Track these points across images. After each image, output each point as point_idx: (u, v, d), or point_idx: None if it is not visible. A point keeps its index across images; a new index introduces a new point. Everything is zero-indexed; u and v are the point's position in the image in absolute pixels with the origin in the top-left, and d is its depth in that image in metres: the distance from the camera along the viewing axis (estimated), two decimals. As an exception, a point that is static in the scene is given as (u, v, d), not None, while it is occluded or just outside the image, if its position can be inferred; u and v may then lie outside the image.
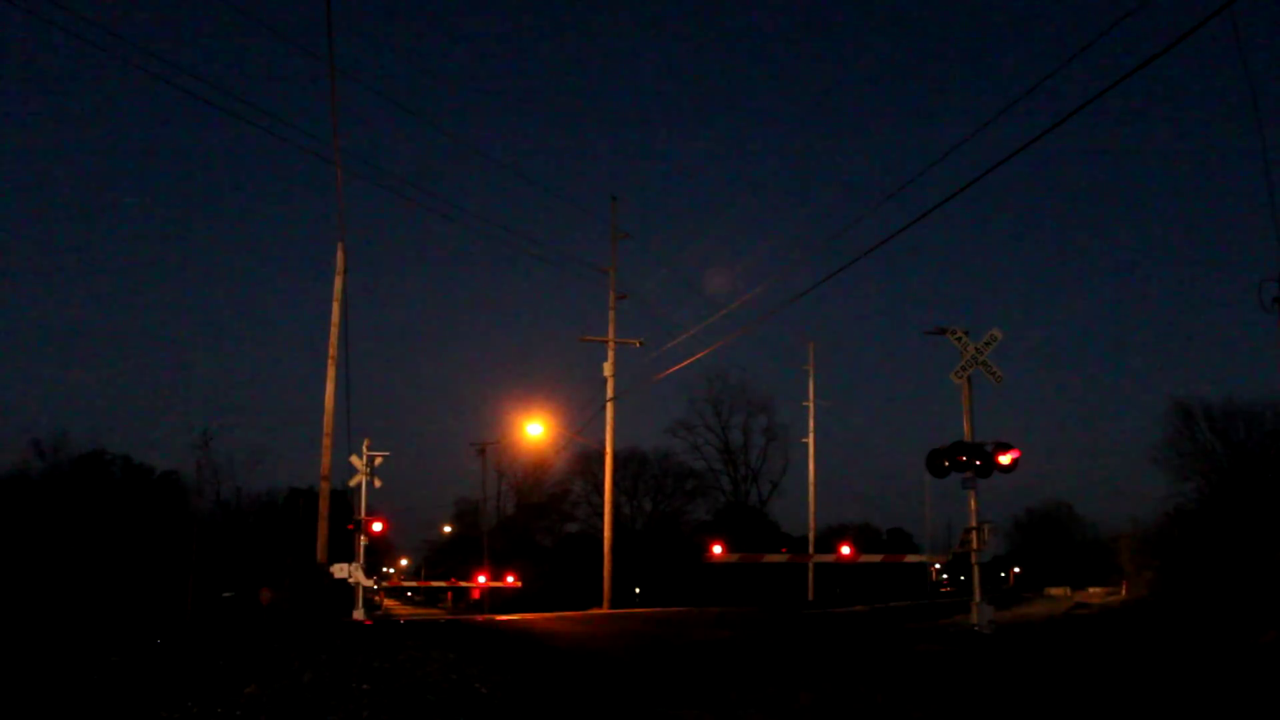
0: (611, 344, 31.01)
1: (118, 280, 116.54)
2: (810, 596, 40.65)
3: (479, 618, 25.57)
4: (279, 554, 38.24)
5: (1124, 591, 56.93)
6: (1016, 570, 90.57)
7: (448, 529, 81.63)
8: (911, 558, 45.75)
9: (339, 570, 26.62)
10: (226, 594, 43.30)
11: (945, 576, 77.64)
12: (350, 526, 28.84)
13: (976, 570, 18.38)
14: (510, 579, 44.88)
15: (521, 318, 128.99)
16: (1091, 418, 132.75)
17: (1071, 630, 21.22)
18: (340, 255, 22.62)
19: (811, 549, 43.84)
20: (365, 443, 31.17)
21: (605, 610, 28.50)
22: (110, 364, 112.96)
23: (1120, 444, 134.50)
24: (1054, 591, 64.43)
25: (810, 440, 44.40)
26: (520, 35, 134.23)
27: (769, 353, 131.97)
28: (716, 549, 26.99)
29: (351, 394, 22.48)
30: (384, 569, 70.66)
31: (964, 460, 17.34)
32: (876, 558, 37.36)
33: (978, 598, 18.22)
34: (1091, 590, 63.97)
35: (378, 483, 31.05)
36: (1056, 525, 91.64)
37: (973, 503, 17.83)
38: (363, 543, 29.13)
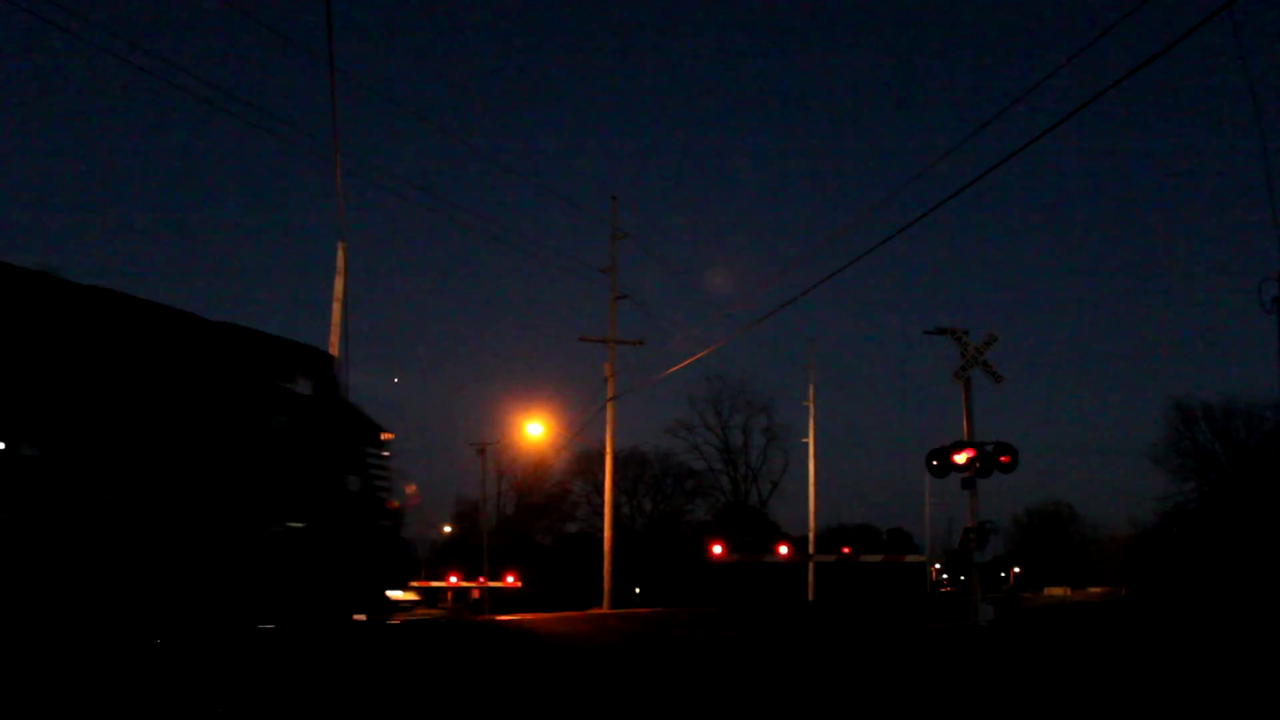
0: (612, 344, 31.02)
1: (117, 281, 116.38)
2: (810, 597, 40.67)
3: (479, 618, 25.59)
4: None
5: (1123, 591, 57.00)
6: (1016, 570, 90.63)
7: (448, 529, 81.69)
8: (911, 558, 45.86)
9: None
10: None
11: (945, 576, 77.71)
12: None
13: (976, 570, 18.42)
14: (510, 579, 44.87)
15: (521, 318, 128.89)
16: (1091, 418, 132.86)
17: (1072, 630, 21.22)
18: (340, 255, 22.62)
19: (812, 549, 43.86)
20: (365, 443, 31.16)
21: (605, 610, 28.51)
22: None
23: (1120, 444, 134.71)
24: (1053, 591, 64.47)
25: (810, 440, 44.45)
26: (521, 35, 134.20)
27: (769, 353, 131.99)
28: (716, 549, 27.07)
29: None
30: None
31: (964, 460, 17.37)
32: (876, 558, 37.45)
33: (978, 597, 18.26)
34: (1091, 590, 64.03)
35: (378, 483, 31.03)
36: (1056, 525, 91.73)
37: (972, 503, 17.86)
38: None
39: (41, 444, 7.20)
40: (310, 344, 10.62)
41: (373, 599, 11.98)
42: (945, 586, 75.20)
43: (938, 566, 67.32)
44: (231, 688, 8.08)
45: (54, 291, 8.42)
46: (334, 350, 18.09)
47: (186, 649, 8.17)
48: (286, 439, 10.45)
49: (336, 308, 22.26)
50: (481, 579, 46.09)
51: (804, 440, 44.74)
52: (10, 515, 6.88)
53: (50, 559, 7.51)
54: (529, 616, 22.66)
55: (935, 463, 17.79)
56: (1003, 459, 17.30)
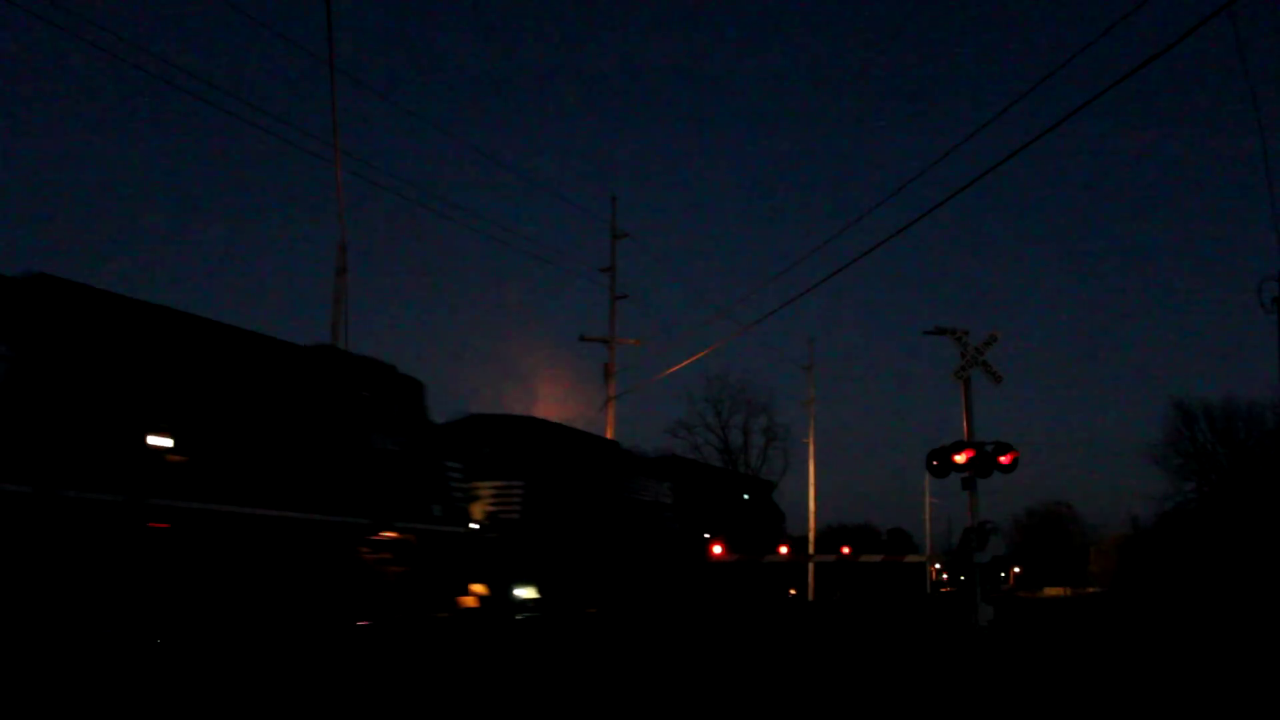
0: (612, 344, 31.01)
1: (117, 282, 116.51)
2: (810, 597, 40.65)
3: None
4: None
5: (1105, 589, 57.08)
6: (1017, 570, 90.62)
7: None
8: (911, 558, 45.83)
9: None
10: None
11: (945, 576, 77.66)
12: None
13: (976, 570, 18.39)
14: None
15: (521, 318, 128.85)
16: (1091, 418, 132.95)
17: (1070, 628, 21.24)
18: (340, 255, 22.59)
19: (812, 549, 43.80)
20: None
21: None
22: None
23: (1120, 444, 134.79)
24: (1053, 591, 64.50)
25: (810, 440, 44.48)
26: (520, 35, 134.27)
27: (769, 353, 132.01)
28: (716, 549, 26.98)
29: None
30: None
31: (964, 460, 17.34)
32: (876, 558, 37.36)
33: (978, 597, 18.25)
34: (1091, 590, 64.00)
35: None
36: (1056, 525, 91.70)
37: (972, 503, 17.83)
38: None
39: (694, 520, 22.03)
40: (765, 477, 27.15)
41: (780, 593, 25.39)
42: (945, 586, 75.15)
43: (937, 566, 67.20)
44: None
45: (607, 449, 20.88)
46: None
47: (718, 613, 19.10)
48: (769, 523, 25.60)
49: (336, 308, 22.24)
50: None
51: (804, 440, 44.76)
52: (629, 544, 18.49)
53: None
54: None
55: (935, 463, 17.75)
56: (1003, 459, 17.27)
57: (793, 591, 26.92)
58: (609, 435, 31.35)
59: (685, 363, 28.69)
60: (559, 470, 17.23)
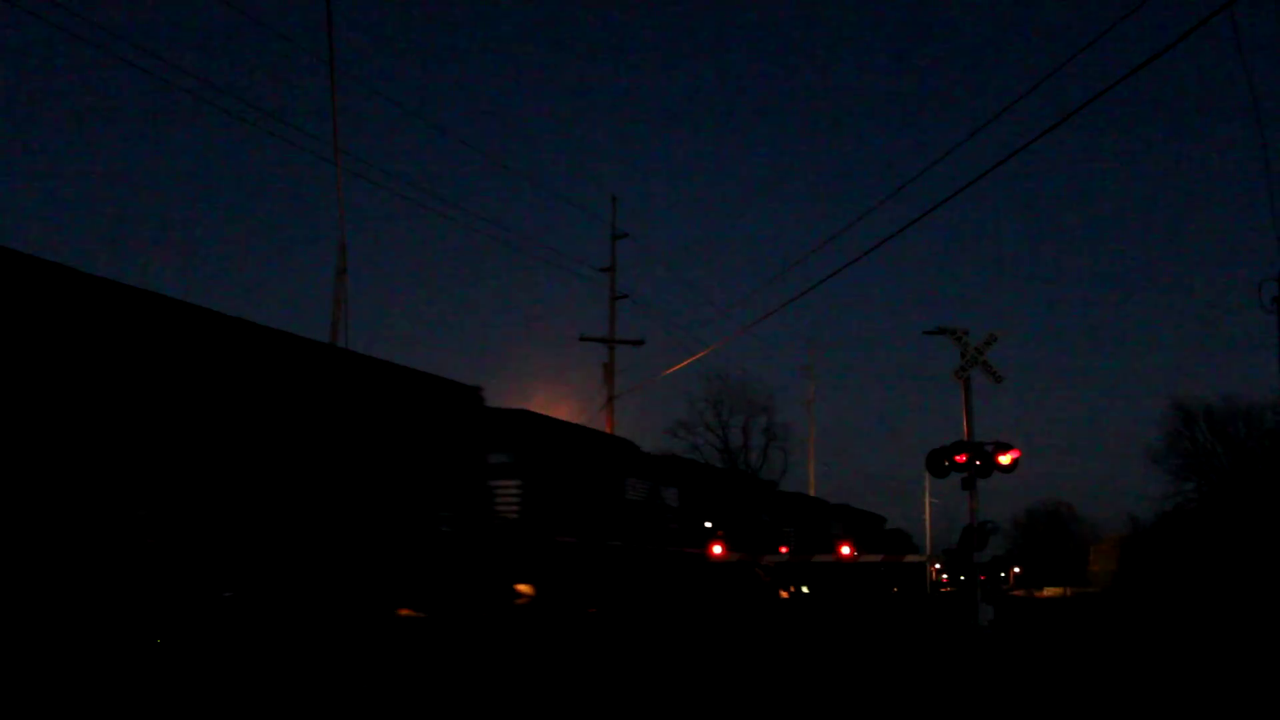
0: (611, 344, 31.01)
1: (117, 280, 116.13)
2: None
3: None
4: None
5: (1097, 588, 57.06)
6: (1016, 570, 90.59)
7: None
8: (911, 558, 45.72)
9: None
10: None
11: (945, 576, 77.60)
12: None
13: (976, 570, 18.41)
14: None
15: (521, 318, 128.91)
16: (1091, 418, 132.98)
17: (1068, 628, 21.28)
18: (340, 255, 22.58)
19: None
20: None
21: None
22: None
23: (1120, 444, 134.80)
24: (1052, 591, 64.50)
25: (810, 440, 44.63)
26: (521, 36, 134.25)
27: (769, 353, 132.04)
28: (716, 549, 26.94)
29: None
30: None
31: (964, 460, 17.35)
32: (876, 558, 37.34)
33: (978, 597, 18.26)
34: (1090, 590, 64.03)
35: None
36: (1056, 525, 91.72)
37: (973, 503, 17.84)
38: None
39: None
40: (868, 510, 38.69)
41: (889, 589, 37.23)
42: (945, 586, 75.04)
43: (937, 566, 67.14)
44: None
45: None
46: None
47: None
48: (900, 546, 41.59)
49: (336, 308, 22.22)
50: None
51: (804, 440, 44.91)
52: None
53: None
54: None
55: (935, 463, 17.77)
56: (1003, 459, 17.28)
57: (895, 589, 37.22)
58: (608, 433, 31.36)
59: (685, 363, 28.79)
60: (807, 522, 31.45)
